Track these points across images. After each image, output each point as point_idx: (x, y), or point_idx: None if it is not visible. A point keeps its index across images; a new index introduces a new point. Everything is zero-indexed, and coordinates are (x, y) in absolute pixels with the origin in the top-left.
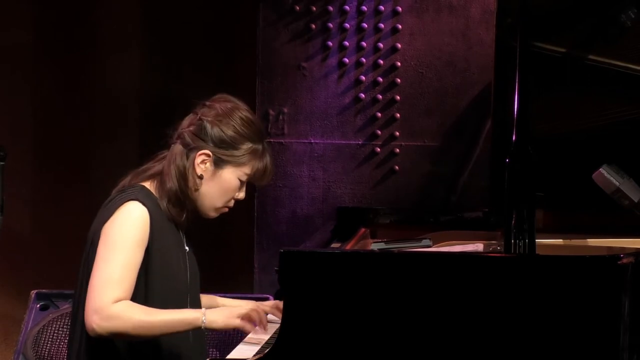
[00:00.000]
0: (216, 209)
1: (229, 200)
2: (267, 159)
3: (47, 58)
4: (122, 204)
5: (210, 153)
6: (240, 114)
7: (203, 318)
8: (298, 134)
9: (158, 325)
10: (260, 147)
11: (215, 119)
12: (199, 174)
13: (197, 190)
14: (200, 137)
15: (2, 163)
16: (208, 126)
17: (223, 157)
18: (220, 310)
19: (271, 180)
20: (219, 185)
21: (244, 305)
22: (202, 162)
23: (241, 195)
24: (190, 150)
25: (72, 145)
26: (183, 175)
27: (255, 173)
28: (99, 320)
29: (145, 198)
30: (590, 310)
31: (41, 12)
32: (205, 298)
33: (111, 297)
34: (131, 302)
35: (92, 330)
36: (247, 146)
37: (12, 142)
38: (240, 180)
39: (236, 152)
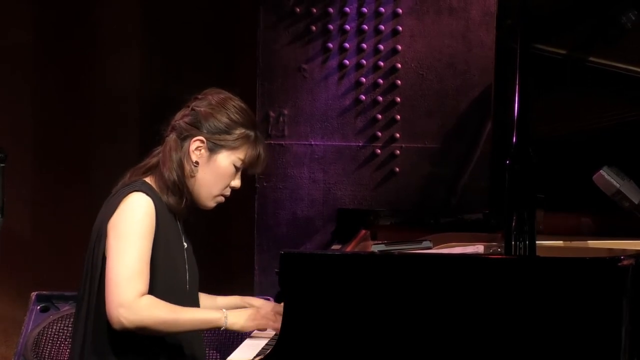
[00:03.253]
0: (213, 197)
1: (225, 188)
2: (261, 147)
3: (47, 58)
4: (125, 196)
5: (204, 139)
6: (233, 103)
7: (225, 320)
8: (298, 136)
9: (183, 323)
10: (252, 133)
11: (208, 108)
12: (194, 161)
13: (193, 177)
14: (194, 125)
15: (2, 165)
16: (201, 115)
17: (217, 142)
18: (240, 313)
19: (270, 180)
20: (215, 170)
21: (255, 306)
22: (196, 149)
23: (236, 183)
24: (184, 138)
25: (72, 145)
26: (179, 164)
27: (249, 160)
28: (126, 313)
29: (148, 190)
30: (591, 312)
31: (41, 13)
32: (206, 299)
33: (136, 290)
34: (155, 298)
35: (118, 324)
36: (240, 131)
37: (12, 143)
38: (235, 166)
39: (229, 137)
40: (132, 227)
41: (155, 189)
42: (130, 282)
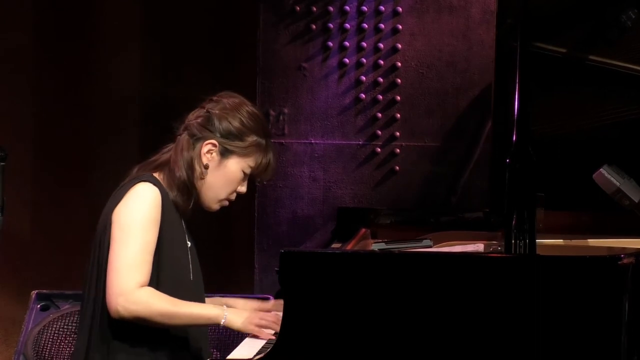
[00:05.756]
0: (219, 201)
1: (232, 193)
2: (271, 155)
3: (47, 59)
4: (132, 186)
5: (216, 143)
6: (247, 108)
7: (224, 317)
8: (298, 135)
9: (181, 316)
10: (264, 141)
11: (222, 112)
12: (205, 164)
13: (202, 179)
14: (207, 127)
15: (2, 164)
16: (215, 118)
17: (229, 147)
18: (240, 313)
19: (272, 180)
20: (224, 175)
21: (249, 308)
22: (208, 152)
23: (243, 188)
24: (196, 140)
25: (72, 146)
26: (190, 165)
27: (258, 167)
28: (124, 302)
29: (156, 182)
30: (591, 310)
31: (41, 14)
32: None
33: (135, 281)
34: (154, 290)
35: (116, 313)
36: (252, 138)
37: (12, 143)
38: (244, 173)
39: (241, 143)
40: (136, 216)
41: (163, 184)
42: (131, 272)
